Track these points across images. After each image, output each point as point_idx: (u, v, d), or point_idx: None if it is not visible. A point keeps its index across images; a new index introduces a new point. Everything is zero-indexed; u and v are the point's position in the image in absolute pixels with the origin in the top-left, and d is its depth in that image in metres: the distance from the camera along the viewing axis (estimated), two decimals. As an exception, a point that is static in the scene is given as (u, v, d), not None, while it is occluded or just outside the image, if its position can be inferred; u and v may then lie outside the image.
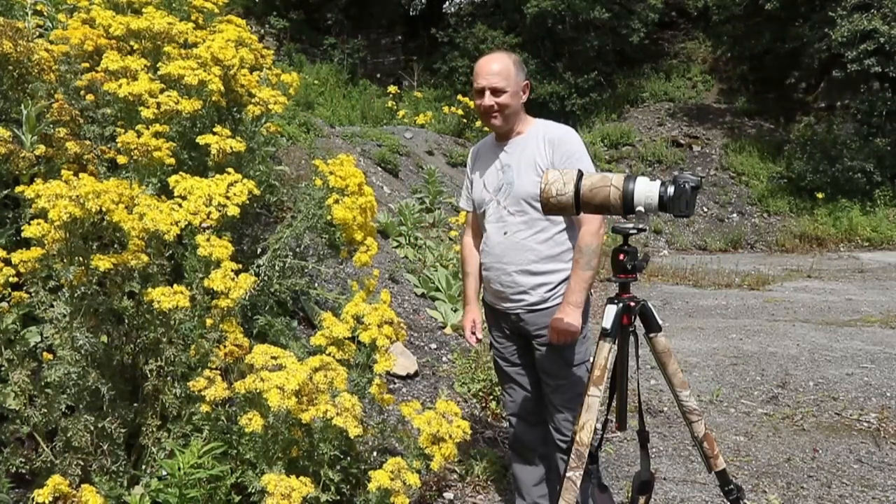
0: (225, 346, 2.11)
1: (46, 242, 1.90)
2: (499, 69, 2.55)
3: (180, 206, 2.20)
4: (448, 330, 4.96)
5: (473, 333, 2.78)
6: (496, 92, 2.55)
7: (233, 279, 2.09)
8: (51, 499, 1.58)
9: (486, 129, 2.82)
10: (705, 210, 12.97)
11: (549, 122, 2.70)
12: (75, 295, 1.98)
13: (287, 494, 1.75)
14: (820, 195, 12.36)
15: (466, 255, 2.84)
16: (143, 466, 2.16)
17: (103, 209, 1.93)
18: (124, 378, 2.24)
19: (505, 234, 2.61)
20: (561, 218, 2.54)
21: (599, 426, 2.25)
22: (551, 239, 2.58)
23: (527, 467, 2.83)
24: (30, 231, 1.87)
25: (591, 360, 2.29)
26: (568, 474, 2.14)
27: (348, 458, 2.36)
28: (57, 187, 1.88)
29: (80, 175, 2.01)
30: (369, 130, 8.96)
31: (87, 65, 2.82)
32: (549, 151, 2.56)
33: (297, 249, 3.20)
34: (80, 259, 1.99)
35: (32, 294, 1.98)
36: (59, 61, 2.76)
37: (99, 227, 2.03)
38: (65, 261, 1.96)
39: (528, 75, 2.74)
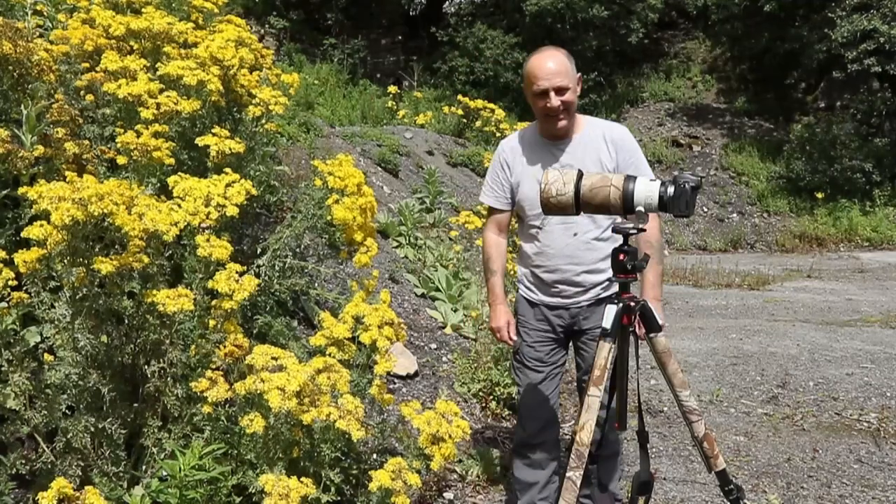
0: (225, 347, 2.11)
1: (48, 244, 1.89)
2: (557, 67, 2.47)
3: (180, 206, 2.20)
4: (448, 330, 4.95)
5: (508, 333, 2.72)
6: (561, 91, 2.47)
7: (237, 281, 2.09)
8: (55, 502, 1.58)
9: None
10: (705, 210, 12.97)
11: (602, 121, 2.69)
12: (77, 296, 1.98)
13: (285, 494, 1.75)
14: (819, 195, 12.36)
15: (492, 254, 2.76)
16: (144, 467, 2.16)
17: (106, 212, 1.93)
18: (124, 379, 2.23)
19: (575, 234, 2.58)
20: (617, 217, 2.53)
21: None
22: (612, 237, 2.53)
23: (532, 471, 2.79)
24: (32, 233, 1.87)
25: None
26: (568, 474, 2.14)
27: (349, 459, 2.36)
28: (60, 189, 1.88)
29: (84, 177, 2.00)
30: (369, 130, 8.94)
31: (87, 65, 2.82)
32: (613, 152, 2.55)
33: (297, 250, 3.20)
34: (82, 260, 1.98)
35: (33, 295, 1.98)
36: (58, 61, 2.76)
37: (100, 227, 2.03)
38: (66, 262, 1.96)
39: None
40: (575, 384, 3.48)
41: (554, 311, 2.70)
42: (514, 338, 2.71)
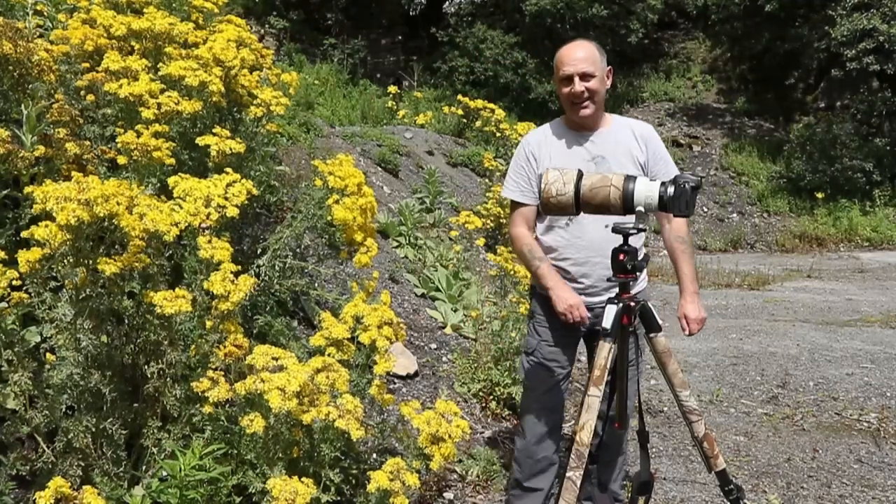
0: (224, 347, 2.11)
1: (52, 244, 1.89)
2: (584, 55, 2.51)
3: (180, 206, 2.20)
4: (448, 330, 4.96)
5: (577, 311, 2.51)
6: (585, 77, 2.49)
7: (232, 282, 2.09)
8: (52, 501, 1.58)
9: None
10: (705, 210, 12.97)
11: (625, 118, 2.72)
12: (78, 296, 1.98)
13: (291, 499, 1.74)
14: (820, 195, 12.37)
15: (531, 243, 2.65)
16: (144, 467, 2.16)
17: (111, 213, 1.92)
18: (124, 378, 2.24)
19: (607, 226, 2.46)
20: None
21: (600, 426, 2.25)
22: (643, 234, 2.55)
23: (537, 478, 2.73)
24: (37, 233, 1.87)
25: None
26: (568, 474, 2.14)
27: (349, 459, 2.36)
28: (66, 189, 1.87)
29: (90, 177, 2.00)
30: (369, 130, 8.94)
31: (87, 65, 2.82)
32: (644, 146, 2.57)
33: (297, 250, 3.20)
34: (84, 260, 1.98)
35: (33, 295, 1.98)
36: (59, 61, 2.76)
37: (102, 227, 2.03)
38: (68, 262, 1.96)
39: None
40: (573, 384, 3.47)
41: None
42: (587, 315, 2.51)
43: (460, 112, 10.91)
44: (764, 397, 4.52)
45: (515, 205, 2.71)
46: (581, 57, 2.50)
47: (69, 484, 1.64)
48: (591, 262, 2.57)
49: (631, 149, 2.57)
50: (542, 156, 2.62)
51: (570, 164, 2.50)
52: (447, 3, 18.85)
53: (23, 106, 2.47)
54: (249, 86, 3.14)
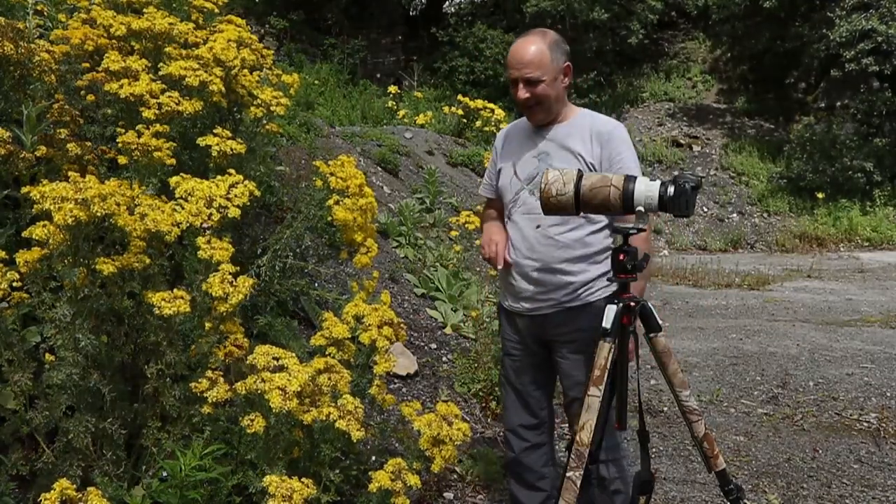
0: (224, 347, 2.11)
1: (50, 244, 1.89)
2: (531, 57, 2.33)
3: (182, 207, 2.20)
4: (448, 330, 4.96)
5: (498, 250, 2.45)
6: (530, 83, 2.35)
7: (231, 283, 2.08)
8: (57, 503, 1.58)
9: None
10: (705, 210, 12.98)
11: (596, 114, 2.54)
12: (78, 296, 1.98)
13: (288, 496, 1.75)
14: (820, 195, 12.38)
15: (487, 212, 2.68)
16: (144, 467, 2.16)
17: (108, 212, 1.92)
18: (124, 378, 2.24)
19: (537, 227, 2.41)
20: (601, 216, 2.39)
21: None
22: (586, 237, 2.41)
23: (527, 491, 2.64)
24: (35, 233, 1.87)
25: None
26: (568, 474, 2.13)
27: (349, 459, 2.36)
28: (63, 189, 1.87)
29: (87, 177, 2.00)
30: (369, 130, 8.94)
31: (87, 65, 2.82)
32: (597, 147, 2.40)
33: (298, 250, 3.20)
34: (83, 260, 1.98)
35: (33, 294, 1.98)
36: (59, 62, 2.76)
37: (101, 227, 2.03)
38: (67, 262, 1.96)
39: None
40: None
41: (521, 318, 2.53)
42: (509, 257, 2.44)
43: (460, 112, 10.91)
44: (764, 397, 4.52)
45: (487, 202, 2.73)
46: (527, 60, 2.33)
47: (73, 486, 1.64)
48: (519, 263, 2.46)
49: (577, 148, 2.41)
50: (502, 150, 2.61)
51: (519, 161, 2.51)
52: (447, 3, 18.86)
53: (23, 106, 2.47)
54: (249, 86, 3.14)
